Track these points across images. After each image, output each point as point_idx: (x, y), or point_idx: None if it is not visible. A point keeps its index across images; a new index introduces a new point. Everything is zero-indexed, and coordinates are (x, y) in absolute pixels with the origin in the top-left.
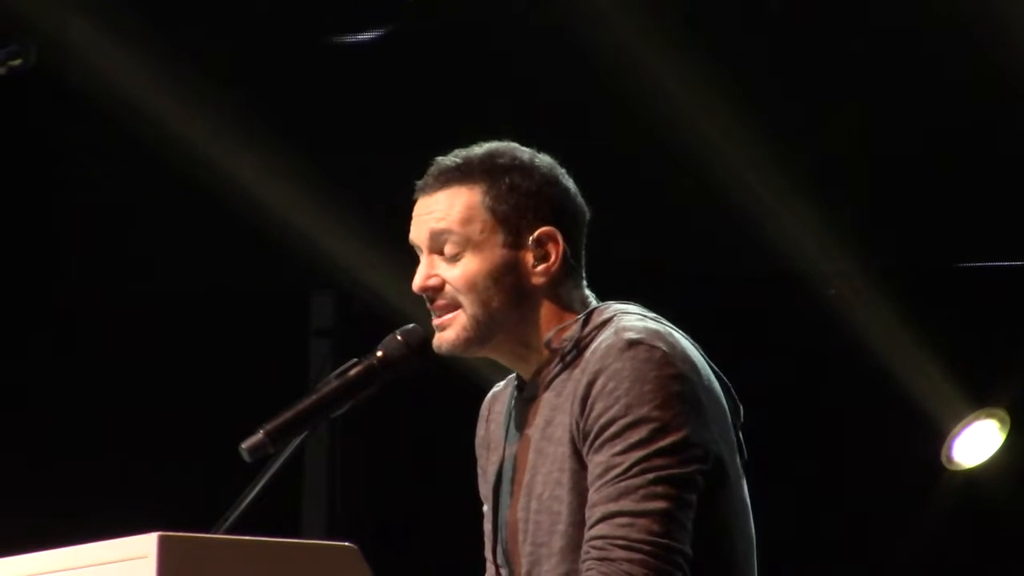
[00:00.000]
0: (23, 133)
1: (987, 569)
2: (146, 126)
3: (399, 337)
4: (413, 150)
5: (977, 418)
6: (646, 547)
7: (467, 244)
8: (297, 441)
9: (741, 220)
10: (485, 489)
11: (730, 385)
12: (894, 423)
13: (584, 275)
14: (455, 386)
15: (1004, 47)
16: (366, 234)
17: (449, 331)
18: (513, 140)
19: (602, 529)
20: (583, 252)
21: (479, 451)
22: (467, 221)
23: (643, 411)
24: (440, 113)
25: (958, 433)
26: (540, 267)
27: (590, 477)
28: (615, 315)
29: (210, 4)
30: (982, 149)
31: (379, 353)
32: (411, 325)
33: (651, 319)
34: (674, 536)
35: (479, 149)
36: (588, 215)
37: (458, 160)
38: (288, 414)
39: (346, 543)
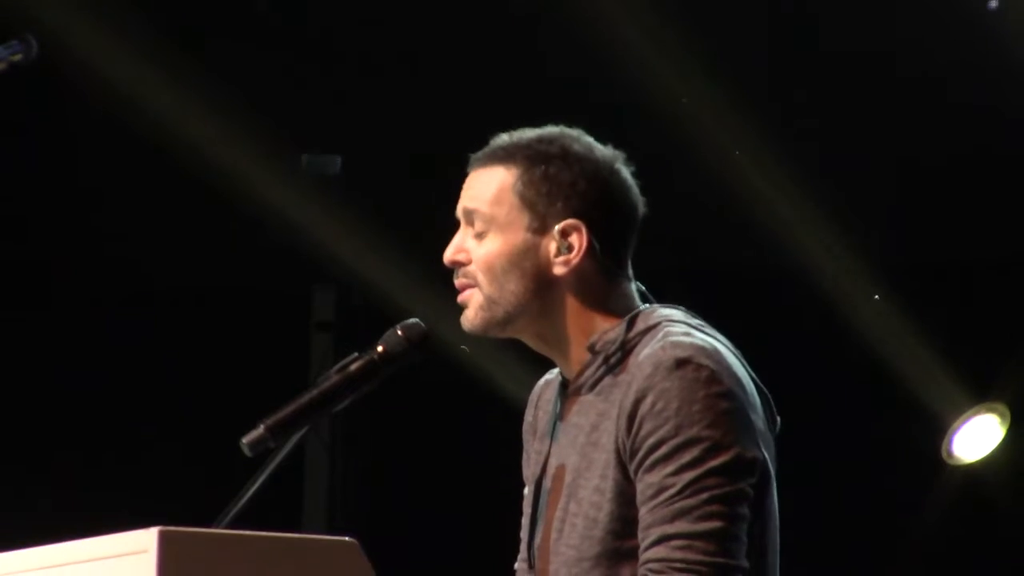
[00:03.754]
0: (24, 130)
1: (987, 563)
2: (148, 123)
3: (400, 332)
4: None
5: (977, 413)
6: (704, 568)
7: (492, 223)
8: (298, 436)
9: (743, 216)
10: (528, 472)
11: (769, 396)
12: (894, 418)
13: (629, 276)
14: (456, 382)
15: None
16: (367, 229)
17: (468, 310)
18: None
19: (659, 552)
20: (627, 252)
21: (526, 435)
22: (496, 202)
23: (693, 431)
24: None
25: (958, 428)
26: (561, 257)
27: (641, 497)
28: (661, 322)
29: (212, 3)
30: (984, 147)
31: (380, 348)
32: (412, 320)
33: (696, 329)
34: (731, 553)
35: (533, 132)
36: (639, 217)
37: (508, 141)
38: (289, 409)
39: (346, 538)
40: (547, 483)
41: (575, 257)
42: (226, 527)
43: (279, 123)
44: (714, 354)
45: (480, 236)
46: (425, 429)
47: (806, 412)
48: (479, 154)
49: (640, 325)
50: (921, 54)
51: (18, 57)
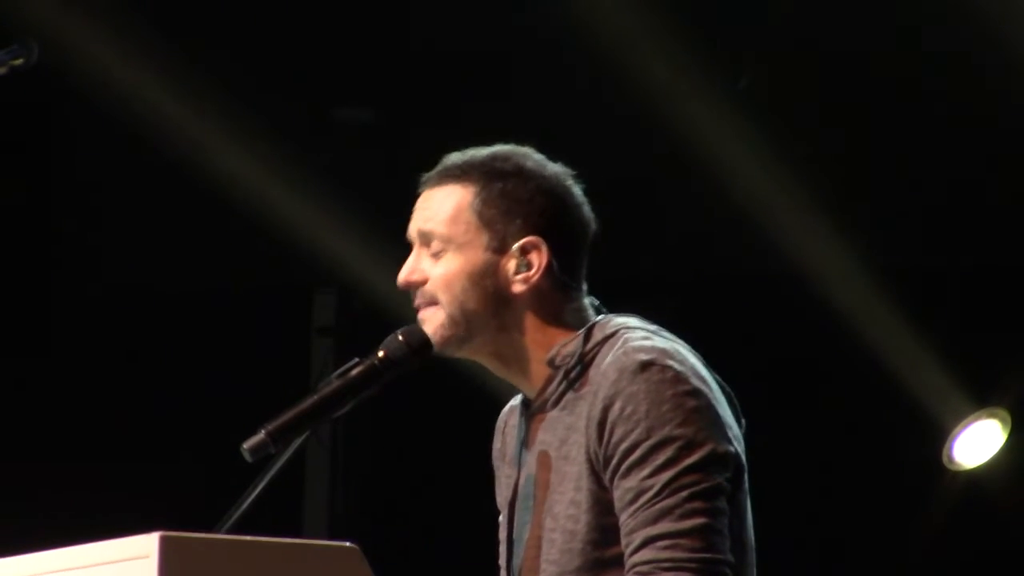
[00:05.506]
0: (24, 131)
1: (989, 569)
2: (147, 124)
3: (400, 337)
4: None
5: (978, 418)
6: (693, 564)
7: (450, 243)
8: (299, 441)
9: (742, 220)
10: (502, 499)
11: (733, 395)
12: (895, 423)
13: (583, 290)
14: (456, 387)
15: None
16: (368, 232)
17: (427, 326)
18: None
19: (646, 554)
20: (582, 267)
21: (496, 462)
22: (453, 221)
23: (665, 431)
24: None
25: (959, 433)
26: (521, 275)
27: (620, 503)
28: (618, 330)
29: (211, 5)
30: (983, 148)
31: (380, 353)
32: (413, 325)
33: (654, 333)
34: (716, 548)
35: (486, 150)
36: (593, 230)
37: (461, 159)
38: (290, 414)
39: (347, 543)
40: (520, 504)
41: (535, 275)
42: (227, 532)
43: (280, 122)
44: (676, 355)
45: (437, 256)
46: (426, 434)
47: (807, 417)
48: (431, 174)
49: (597, 335)
50: (921, 55)
51: (19, 61)
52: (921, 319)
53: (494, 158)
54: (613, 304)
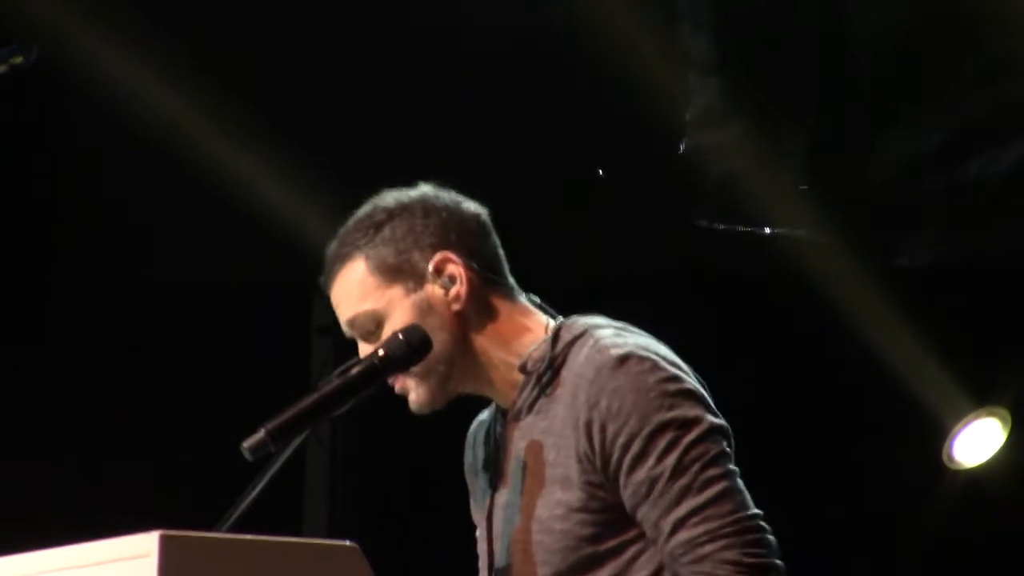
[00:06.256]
0: (23, 129)
1: (989, 568)
2: (148, 120)
3: (400, 336)
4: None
5: (978, 417)
6: (728, 528)
7: (377, 314)
8: (299, 440)
9: (740, 219)
10: (477, 515)
11: (705, 384)
12: (895, 422)
13: (514, 286)
14: None
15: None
16: None
17: (412, 394)
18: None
19: (681, 536)
20: (497, 257)
21: (468, 477)
22: (364, 296)
23: (657, 418)
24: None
25: (959, 432)
26: (451, 293)
27: (634, 498)
28: (586, 330)
29: (211, 3)
30: (982, 148)
31: (380, 352)
32: (412, 324)
33: (622, 330)
34: (744, 505)
35: (350, 220)
36: (485, 219)
37: (337, 242)
38: (290, 413)
39: (347, 542)
40: (500, 513)
41: (462, 286)
42: (227, 531)
43: (281, 120)
44: (649, 347)
45: (377, 333)
46: (427, 432)
47: (807, 415)
48: (324, 273)
49: (565, 337)
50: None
51: (19, 60)
52: (921, 319)
53: (361, 221)
54: (615, 304)
